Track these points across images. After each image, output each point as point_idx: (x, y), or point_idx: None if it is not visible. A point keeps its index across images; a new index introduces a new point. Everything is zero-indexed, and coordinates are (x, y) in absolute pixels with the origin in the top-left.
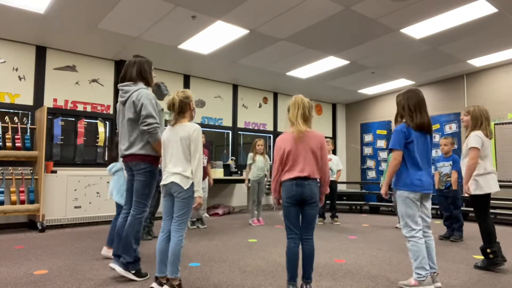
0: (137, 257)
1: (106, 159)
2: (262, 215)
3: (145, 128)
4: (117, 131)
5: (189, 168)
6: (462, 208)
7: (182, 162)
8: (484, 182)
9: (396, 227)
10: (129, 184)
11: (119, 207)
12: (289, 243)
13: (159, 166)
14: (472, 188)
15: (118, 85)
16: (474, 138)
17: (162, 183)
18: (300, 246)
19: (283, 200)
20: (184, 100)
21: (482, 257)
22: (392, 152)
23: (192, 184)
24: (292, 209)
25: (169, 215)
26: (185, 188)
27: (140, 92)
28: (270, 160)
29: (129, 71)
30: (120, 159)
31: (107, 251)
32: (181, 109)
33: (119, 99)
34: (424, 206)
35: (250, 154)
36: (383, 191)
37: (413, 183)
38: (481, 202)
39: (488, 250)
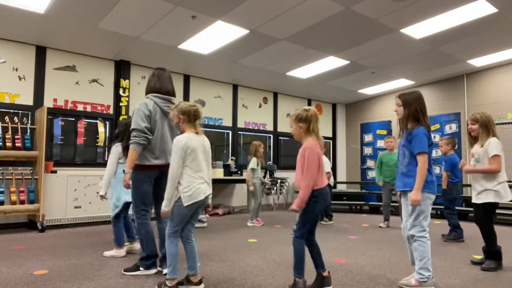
0: (148, 255)
1: (106, 159)
2: (262, 215)
3: None
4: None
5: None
6: (461, 208)
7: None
8: (504, 191)
9: (380, 226)
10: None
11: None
12: (303, 243)
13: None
14: (491, 196)
15: (170, 98)
16: (497, 145)
17: (202, 196)
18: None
19: (315, 207)
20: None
21: (481, 257)
22: (420, 156)
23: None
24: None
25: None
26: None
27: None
28: (268, 162)
29: (172, 85)
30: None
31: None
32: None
33: (166, 109)
34: None
35: (255, 159)
36: (418, 197)
37: (434, 185)
38: (493, 209)
39: (495, 250)
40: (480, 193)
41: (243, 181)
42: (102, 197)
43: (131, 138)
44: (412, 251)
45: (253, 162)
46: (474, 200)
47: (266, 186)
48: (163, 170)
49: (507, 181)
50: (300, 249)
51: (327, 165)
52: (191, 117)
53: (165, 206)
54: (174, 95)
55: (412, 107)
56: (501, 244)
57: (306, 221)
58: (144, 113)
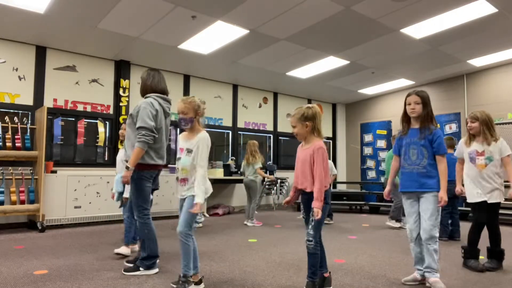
0: (149, 255)
1: (106, 159)
2: (262, 215)
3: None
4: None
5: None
6: (461, 208)
7: None
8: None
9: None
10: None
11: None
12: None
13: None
14: (500, 195)
15: (168, 98)
16: (506, 145)
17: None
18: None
19: (326, 207)
20: None
21: (482, 257)
22: (444, 157)
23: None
24: None
25: None
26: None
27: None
28: (268, 162)
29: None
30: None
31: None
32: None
33: (167, 110)
34: None
35: (260, 159)
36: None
37: None
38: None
39: (499, 250)
40: (492, 191)
41: (243, 181)
42: (127, 199)
43: (139, 137)
44: (418, 252)
45: (260, 161)
46: (486, 199)
47: (267, 186)
48: (161, 169)
49: (507, 181)
50: (320, 253)
51: (333, 167)
52: (201, 113)
53: (201, 200)
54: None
55: (429, 106)
56: (502, 244)
57: (322, 222)
58: (152, 112)
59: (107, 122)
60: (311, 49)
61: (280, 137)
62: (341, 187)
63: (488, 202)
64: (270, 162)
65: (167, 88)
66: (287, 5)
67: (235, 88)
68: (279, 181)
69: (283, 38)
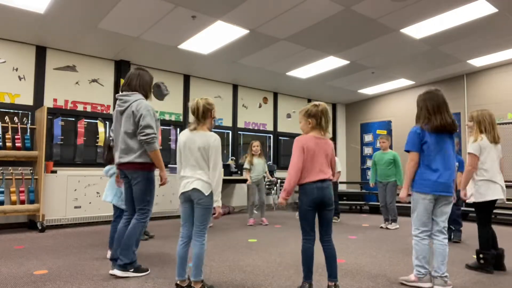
0: (134, 259)
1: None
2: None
3: (143, 138)
4: (111, 138)
5: (207, 174)
6: (462, 208)
7: (204, 168)
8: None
9: (381, 227)
10: (128, 191)
11: (116, 209)
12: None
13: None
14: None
15: (117, 94)
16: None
17: (182, 190)
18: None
19: None
20: (207, 106)
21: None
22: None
23: (212, 191)
24: None
25: (187, 221)
26: (206, 194)
27: (140, 103)
28: (268, 162)
29: (133, 82)
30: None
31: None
32: (204, 115)
33: (117, 108)
34: (439, 209)
35: (247, 159)
36: (404, 194)
37: (423, 184)
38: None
39: (481, 255)
40: None
41: (243, 181)
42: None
43: (149, 137)
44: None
45: (245, 163)
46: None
47: (267, 186)
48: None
49: (507, 181)
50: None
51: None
52: (194, 113)
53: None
54: None
55: (418, 107)
56: (501, 244)
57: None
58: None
59: (107, 122)
60: (311, 49)
61: (280, 137)
62: (341, 187)
63: None
64: (270, 162)
65: (124, 83)
66: (287, 5)
67: (235, 88)
68: (279, 181)
69: (283, 38)
